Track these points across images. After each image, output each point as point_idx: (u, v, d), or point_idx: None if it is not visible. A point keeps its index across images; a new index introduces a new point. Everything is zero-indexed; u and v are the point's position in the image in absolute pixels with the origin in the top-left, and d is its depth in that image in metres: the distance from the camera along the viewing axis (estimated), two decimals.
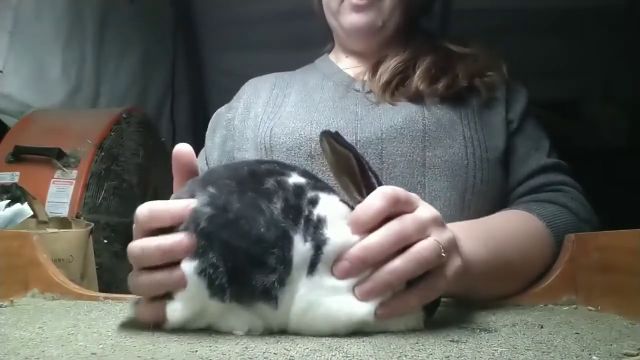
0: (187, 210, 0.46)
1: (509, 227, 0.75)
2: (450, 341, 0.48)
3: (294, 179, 0.50)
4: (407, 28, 0.97)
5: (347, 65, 1.00)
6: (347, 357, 0.42)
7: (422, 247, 0.49)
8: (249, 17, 2.12)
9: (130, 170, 1.55)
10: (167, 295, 0.48)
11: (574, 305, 0.67)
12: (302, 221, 0.47)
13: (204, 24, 2.32)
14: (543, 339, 0.49)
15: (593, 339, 0.48)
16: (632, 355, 0.42)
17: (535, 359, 0.42)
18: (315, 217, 0.48)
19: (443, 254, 0.50)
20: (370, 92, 0.91)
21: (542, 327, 0.54)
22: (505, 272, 0.69)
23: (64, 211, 1.30)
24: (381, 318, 0.49)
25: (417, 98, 0.86)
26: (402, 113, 0.85)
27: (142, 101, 2.13)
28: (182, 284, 0.46)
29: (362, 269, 0.48)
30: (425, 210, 0.52)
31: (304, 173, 0.51)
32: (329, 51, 1.08)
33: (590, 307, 0.65)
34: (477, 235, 0.67)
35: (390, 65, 0.91)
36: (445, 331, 0.52)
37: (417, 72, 0.88)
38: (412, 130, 0.82)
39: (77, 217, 1.25)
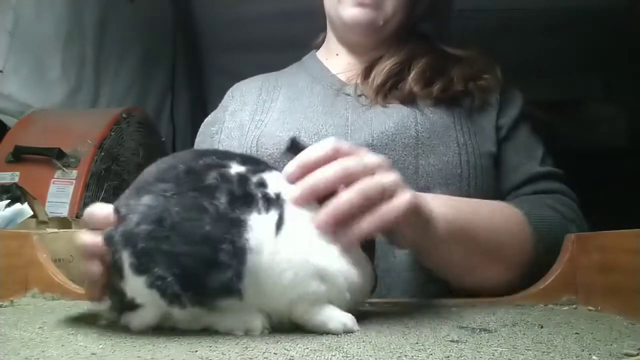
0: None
1: (480, 203, 0.75)
2: (450, 341, 0.48)
3: (235, 168, 0.48)
4: (406, 31, 0.96)
5: (337, 63, 0.97)
6: (347, 357, 0.42)
7: (363, 182, 0.50)
8: (249, 17, 2.12)
9: (130, 170, 1.55)
10: (133, 305, 0.48)
11: (574, 305, 0.67)
12: (260, 202, 0.47)
13: (204, 24, 2.32)
14: (543, 339, 0.49)
15: (593, 339, 0.48)
16: (632, 355, 0.42)
17: (535, 359, 0.42)
18: (272, 195, 0.48)
19: (389, 187, 0.52)
20: (361, 95, 0.89)
21: (542, 327, 0.54)
22: (471, 240, 0.68)
23: (64, 211, 1.30)
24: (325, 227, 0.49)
25: (410, 100, 0.85)
26: (394, 118, 0.83)
27: (142, 101, 2.13)
28: None
29: (310, 195, 0.50)
30: (370, 156, 0.54)
31: (243, 160, 0.50)
32: (318, 46, 1.06)
33: (590, 307, 0.65)
34: (445, 200, 0.68)
35: (385, 66, 0.89)
36: (445, 331, 0.52)
37: (412, 74, 0.87)
38: (404, 136, 0.80)
39: (77, 217, 1.25)
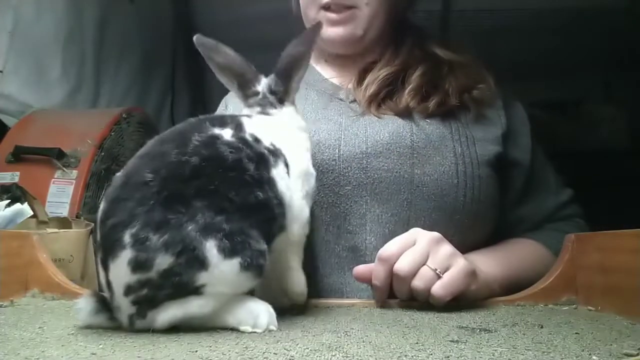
0: None
1: (523, 252, 0.86)
2: (450, 341, 0.48)
3: (227, 133, 0.56)
4: (392, 29, 0.94)
5: (329, 69, 0.96)
6: (347, 357, 0.42)
7: (417, 278, 0.64)
8: (249, 17, 2.12)
9: None
10: (194, 290, 0.50)
11: (574, 305, 0.67)
12: (271, 159, 0.57)
13: (204, 24, 2.32)
14: (543, 339, 0.49)
15: (593, 339, 0.49)
16: (632, 355, 0.42)
17: (535, 359, 0.42)
18: (271, 147, 0.58)
19: (438, 273, 0.64)
20: (354, 101, 0.88)
21: (542, 327, 0.54)
22: (515, 285, 0.77)
23: (64, 211, 1.30)
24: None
25: (406, 114, 0.83)
26: (389, 127, 0.81)
27: (142, 101, 2.13)
28: None
29: (383, 299, 0.68)
30: (420, 240, 0.66)
31: (215, 122, 0.57)
32: None
33: (590, 307, 0.65)
34: (495, 262, 0.79)
35: (378, 76, 0.87)
36: (445, 331, 0.52)
37: (408, 88, 0.85)
38: (399, 146, 0.79)
39: (77, 217, 1.25)
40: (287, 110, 0.68)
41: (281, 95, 0.68)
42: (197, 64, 2.43)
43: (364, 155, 0.80)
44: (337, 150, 0.80)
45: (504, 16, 1.98)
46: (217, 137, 0.55)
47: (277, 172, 0.57)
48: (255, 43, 2.17)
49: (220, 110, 1.02)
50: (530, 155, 0.88)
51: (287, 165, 0.60)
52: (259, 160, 0.56)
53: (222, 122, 0.58)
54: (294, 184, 0.60)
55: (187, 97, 2.47)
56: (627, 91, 2.15)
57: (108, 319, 0.53)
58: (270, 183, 0.56)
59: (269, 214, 0.55)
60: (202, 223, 0.50)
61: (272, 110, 0.67)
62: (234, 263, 0.50)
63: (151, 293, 0.50)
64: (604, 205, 0.86)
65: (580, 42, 1.98)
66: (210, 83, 2.45)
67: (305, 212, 0.63)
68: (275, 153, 0.58)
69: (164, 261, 0.49)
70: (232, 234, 0.50)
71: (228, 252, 0.50)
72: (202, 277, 0.49)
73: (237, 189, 0.52)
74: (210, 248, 0.49)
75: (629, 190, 1.71)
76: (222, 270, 0.50)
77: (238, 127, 0.58)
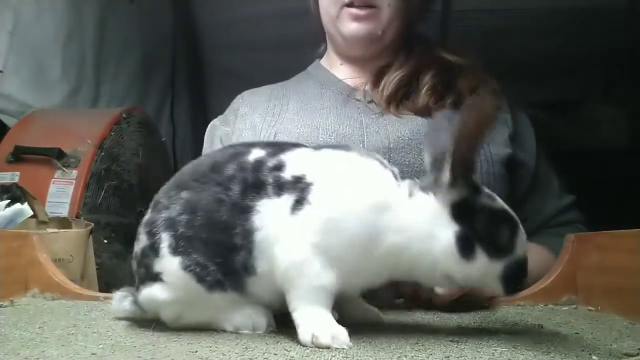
0: None
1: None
2: (450, 341, 0.48)
3: (254, 154, 0.53)
4: (404, 34, 0.98)
5: (343, 72, 1.00)
6: (347, 357, 0.43)
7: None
8: (249, 17, 2.12)
9: (130, 170, 1.55)
10: (155, 277, 0.53)
11: (574, 305, 0.67)
12: (270, 188, 0.51)
13: (204, 24, 2.32)
14: (543, 339, 0.49)
15: (593, 339, 0.49)
16: (632, 355, 0.42)
17: (535, 359, 0.42)
18: (289, 178, 0.51)
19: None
20: (371, 101, 0.91)
21: (542, 327, 0.54)
22: None
23: (64, 211, 1.30)
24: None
25: (423, 112, 0.87)
26: (409, 125, 0.85)
27: (142, 101, 2.13)
28: None
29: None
30: None
31: (266, 145, 0.55)
32: (320, 56, 1.08)
33: (590, 307, 0.65)
34: None
35: (394, 78, 0.91)
36: (445, 331, 0.52)
37: (424, 89, 0.89)
38: (419, 142, 0.83)
39: (77, 217, 1.25)
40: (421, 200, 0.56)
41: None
42: (197, 64, 2.43)
43: (387, 150, 0.83)
44: (361, 144, 0.84)
45: (504, 16, 1.98)
46: (243, 153, 0.54)
47: (269, 203, 0.51)
48: (255, 43, 2.18)
49: (237, 103, 1.04)
50: (534, 158, 0.92)
51: (299, 201, 0.50)
52: (252, 185, 0.51)
53: (273, 144, 0.57)
54: (299, 226, 0.50)
55: (187, 97, 2.47)
56: (627, 91, 2.15)
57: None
58: (245, 212, 0.50)
59: (226, 238, 0.51)
60: (171, 215, 0.53)
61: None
62: (176, 261, 0.52)
63: (137, 270, 0.56)
64: (604, 205, 0.86)
65: (580, 42, 1.98)
66: (210, 83, 2.45)
67: (308, 267, 0.50)
68: (285, 185, 0.51)
69: (143, 239, 0.55)
70: (182, 237, 0.52)
71: (172, 250, 0.52)
72: (157, 265, 0.53)
73: (209, 200, 0.52)
74: (165, 239, 0.53)
75: (629, 190, 1.71)
76: (166, 263, 0.52)
77: (277, 152, 0.53)
